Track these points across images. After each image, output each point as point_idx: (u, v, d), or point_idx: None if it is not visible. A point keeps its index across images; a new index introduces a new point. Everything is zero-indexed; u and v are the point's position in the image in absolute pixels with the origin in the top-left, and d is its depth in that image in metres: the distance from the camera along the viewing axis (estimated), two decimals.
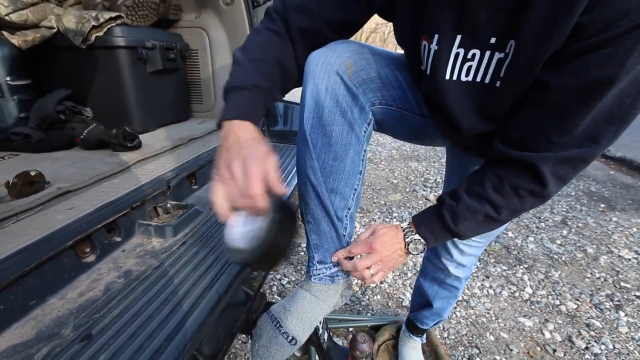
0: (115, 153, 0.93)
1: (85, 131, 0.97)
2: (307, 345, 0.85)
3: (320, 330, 0.70)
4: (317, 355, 0.83)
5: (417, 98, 0.65)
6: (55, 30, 1.06)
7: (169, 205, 0.73)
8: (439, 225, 0.57)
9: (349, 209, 0.66)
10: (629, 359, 1.14)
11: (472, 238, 0.74)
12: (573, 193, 2.42)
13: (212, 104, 1.44)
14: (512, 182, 0.50)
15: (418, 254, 0.60)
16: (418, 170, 2.82)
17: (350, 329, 1.25)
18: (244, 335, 1.14)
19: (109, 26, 1.02)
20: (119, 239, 0.63)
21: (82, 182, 0.72)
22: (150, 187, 0.72)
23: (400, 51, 0.68)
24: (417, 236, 0.59)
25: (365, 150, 0.64)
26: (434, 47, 0.51)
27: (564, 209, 2.18)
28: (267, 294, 1.41)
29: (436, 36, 0.50)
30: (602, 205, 2.24)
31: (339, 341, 1.22)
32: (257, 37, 0.60)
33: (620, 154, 3.07)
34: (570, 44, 0.40)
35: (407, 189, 2.43)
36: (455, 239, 0.77)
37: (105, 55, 1.07)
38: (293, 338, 0.60)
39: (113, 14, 1.05)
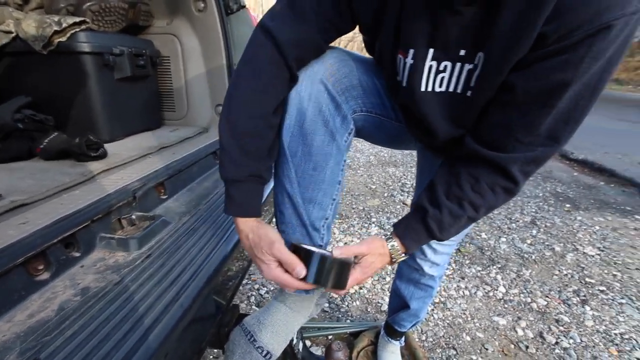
0: (79, 163, 0.88)
1: (46, 140, 0.92)
2: (283, 356, 0.83)
3: (295, 341, 0.69)
4: None
5: (392, 104, 0.67)
6: (14, 34, 1.00)
7: (134, 216, 0.70)
8: (425, 235, 0.58)
9: (327, 219, 0.65)
10: (595, 351, 1.19)
11: None
12: (541, 194, 2.54)
13: (185, 111, 1.41)
14: (488, 181, 0.53)
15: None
16: (396, 175, 2.87)
17: (329, 337, 1.24)
18: (215, 350, 1.10)
19: (72, 31, 0.98)
20: (77, 254, 0.59)
21: (40, 194, 0.68)
22: (114, 198, 0.69)
23: None
24: (402, 251, 0.59)
25: (344, 160, 0.63)
26: (409, 60, 0.53)
27: (533, 210, 2.27)
28: (243, 305, 1.37)
29: (411, 51, 0.52)
30: (568, 205, 2.36)
31: (318, 350, 1.20)
32: (248, 83, 0.56)
33: (583, 156, 3.25)
34: (533, 51, 0.44)
35: (385, 194, 2.46)
36: None
37: (69, 61, 1.02)
38: (268, 352, 0.59)
39: (77, 19, 1.01)
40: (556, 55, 0.43)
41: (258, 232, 0.56)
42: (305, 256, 0.53)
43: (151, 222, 0.70)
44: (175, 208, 0.81)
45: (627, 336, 1.26)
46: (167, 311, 0.47)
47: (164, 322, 0.45)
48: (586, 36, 0.41)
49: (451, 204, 0.55)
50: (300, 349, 0.70)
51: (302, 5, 0.53)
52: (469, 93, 0.52)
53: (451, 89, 0.53)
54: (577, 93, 0.44)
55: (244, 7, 1.38)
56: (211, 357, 1.10)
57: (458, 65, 0.51)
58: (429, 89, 0.53)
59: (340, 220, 2.05)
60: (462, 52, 0.50)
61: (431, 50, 0.51)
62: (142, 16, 1.28)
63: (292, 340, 0.67)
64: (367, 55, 0.67)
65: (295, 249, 0.55)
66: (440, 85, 0.53)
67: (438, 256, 0.81)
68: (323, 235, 0.64)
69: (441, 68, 0.52)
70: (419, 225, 0.57)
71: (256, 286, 1.51)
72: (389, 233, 0.61)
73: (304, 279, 0.53)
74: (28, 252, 0.51)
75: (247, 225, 0.57)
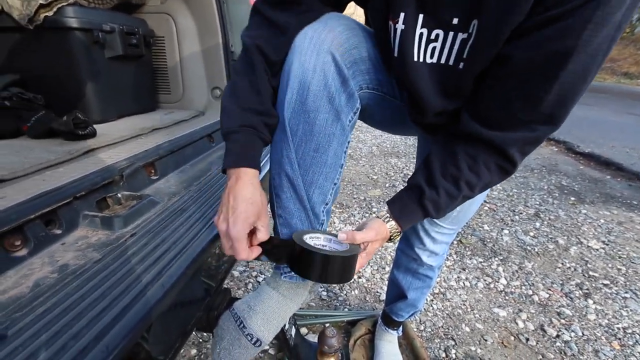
0: (66, 142, 0.85)
1: (33, 118, 0.88)
2: (278, 344, 0.81)
3: (287, 326, 0.66)
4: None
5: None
6: None
7: (119, 195, 0.67)
8: (421, 216, 0.56)
9: (327, 204, 0.62)
10: (597, 345, 1.16)
11: (444, 225, 0.73)
12: (546, 187, 2.49)
13: (181, 94, 1.37)
14: (486, 161, 0.51)
15: None
16: (398, 166, 2.82)
17: (327, 325, 1.22)
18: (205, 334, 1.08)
19: (59, 5, 0.94)
20: (59, 232, 0.56)
21: (21, 170, 0.65)
22: (99, 176, 0.66)
23: None
24: (398, 230, 0.57)
25: (348, 142, 0.58)
26: (400, 26, 0.48)
27: (537, 203, 2.23)
28: (240, 292, 1.35)
29: (402, 15, 0.48)
30: (573, 199, 2.32)
31: (315, 338, 1.18)
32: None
33: (589, 149, 3.19)
34: (531, 17, 0.40)
35: (387, 185, 2.43)
36: (427, 229, 0.75)
37: (57, 37, 0.98)
38: (258, 339, 0.56)
39: None
40: (556, 21, 0.39)
41: (253, 191, 0.51)
42: (307, 255, 0.49)
43: (138, 201, 0.67)
44: (165, 189, 0.78)
45: (630, 330, 1.23)
46: (147, 290, 0.44)
47: (143, 301, 0.42)
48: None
49: (448, 184, 0.53)
50: (293, 335, 0.68)
51: None
52: (461, 65, 0.48)
53: (442, 60, 0.49)
54: (583, 65, 0.40)
55: None
56: (200, 340, 1.08)
57: (451, 34, 0.47)
58: (421, 59, 0.50)
59: (340, 210, 2.02)
60: (455, 20, 0.46)
61: (421, 16, 0.47)
62: None
63: (284, 327, 0.64)
64: None
65: (297, 248, 0.50)
66: (432, 56, 0.49)
67: (437, 245, 0.78)
68: (323, 221, 0.60)
69: (432, 37, 0.48)
70: (416, 207, 0.55)
71: (254, 273, 1.49)
72: (385, 212, 0.57)
73: (305, 276, 0.52)
74: (2, 227, 0.48)
75: (237, 175, 0.51)
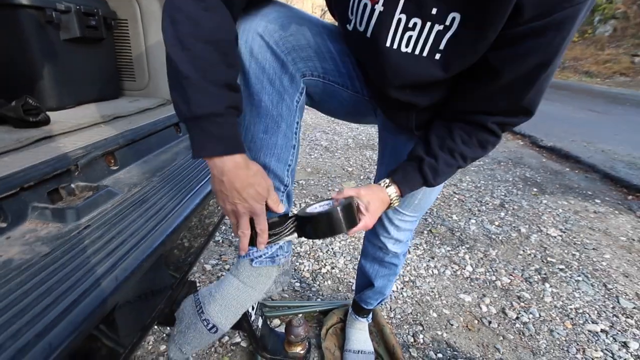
0: (15, 129, 0.79)
1: None
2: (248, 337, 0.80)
3: (254, 317, 0.66)
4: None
5: (350, 71, 0.63)
6: None
7: (73, 186, 0.64)
8: (420, 181, 0.60)
9: (286, 185, 0.62)
10: (552, 325, 1.25)
11: (406, 213, 0.75)
12: (511, 179, 2.62)
13: (146, 81, 1.31)
14: (478, 137, 0.57)
15: None
16: (373, 158, 2.86)
17: (300, 316, 1.23)
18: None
19: None
20: (3, 225, 0.53)
21: None
22: (51, 166, 0.62)
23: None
24: (398, 194, 0.60)
25: (298, 123, 0.59)
26: (379, 7, 0.48)
27: (503, 194, 2.34)
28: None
29: None
30: (535, 190, 2.45)
31: None
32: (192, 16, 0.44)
33: (552, 143, 3.37)
34: (513, 27, 0.44)
35: (362, 177, 2.46)
36: (391, 217, 0.77)
37: (4, 15, 0.90)
38: (214, 326, 0.56)
39: None
40: (538, 35, 0.44)
41: (253, 168, 0.50)
42: (307, 220, 0.54)
43: (94, 192, 0.63)
44: (126, 179, 0.74)
45: (581, 310, 1.33)
46: (98, 283, 0.42)
47: (93, 295, 0.40)
48: (565, 16, 0.42)
49: (445, 155, 0.58)
50: (260, 326, 0.68)
51: None
52: (437, 56, 0.49)
53: (417, 51, 0.50)
54: (552, 68, 0.48)
55: None
56: (165, 335, 1.06)
57: (428, 24, 0.47)
58: (395, 46, 0.50)
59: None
60: (434, 11, 0.46)
61: (402, 0, 0.47)
62: None
63: (249, 316, 0.64)
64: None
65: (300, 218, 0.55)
66: (407, 46, 0.50)
67: (401, 233, 0.80)
68: (284, 206, 0.60)
69: (410, 25, 0.48)
70: (416, 173, 0.59)
71: (227, 266, 1.47)
72: (387, 179, 0.61)
73: (316, 237, 0.55)
74: None
75: (234, 162, 0.48)
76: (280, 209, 0.55)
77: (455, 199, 2.21)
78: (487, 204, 2.17)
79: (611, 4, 10.39)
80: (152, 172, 0.80)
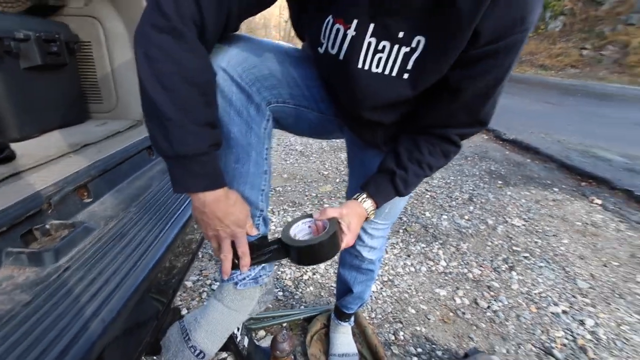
0: None
1: None
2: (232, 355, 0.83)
3: (239, 337, 0.69)
4: None
5: (314, 94, 0.66)
6: None
7: (48, 226, 0.64)
8: (393, 193, 0.64)
9: (262, 210, 0.65)
10: (519, 310, 1.36)
11: (378, 221, 0.80)
12: (477, 173, 2.77)
13: (114, 103, 1.29)
14: (442, 148, 0.63)
15: None
16: None
17: (284, 325, 1.26)
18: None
19: None
20: None
21: None
22: (22, 207, 0.62)
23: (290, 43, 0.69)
24: (374, 207, 0.64)
25: (267, 149, 0.62)
26: (351, 32, 0.52)
27: (471, 188, 2.48)
28: (194, 303, 1.33)
29: (355, 21, 0.51)
30: (500, 182, 2.61)
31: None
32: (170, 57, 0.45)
33: (513, 136, 3.59)
34: (471, 49, 0.50)
35: (337, 180, 2.51)
36: (364, 227, 0.82)
37: None
38: (201, 352, 0.58)
39: None
40: (494, 56, 0.50)
41: (232, 197, 0.54)
42: (290, 248, 0.56)
43: (70, 230, 0.64)
44: (101, 212, 0.75)
45: (544, 294, 1.45)
46: (86, 328, 0.44)
47: (82, 342, 0.42)
48: (516, 40, 0.48)
49: (414, 166, 0.63)
50: (246, 345, 0.71)
51: None
52: (405, 76, 0.54)
53: (387, 71, 0.54)
54: (504, 83, 0.55)
55: None
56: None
57: (395, 47, 0.52)
58: (366, 67, 0.54)
59: (293, 208, 2.05)
60: (401, 34, 0.51)
61: (372, 26, 0.51)
62: None
63: (236, 338, 0.67)
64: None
65: (282, 246, 0.58)
66: (377, 66, 0.54)
67: (375, 240, 0.85)
68: (263, 229, 0.63)
69: (380, 47, 0.52)
70: (388, 185, 0.64)
71: (208, 282, 1.47)
72: (362, 193, 0.65)
73: (302, 264, 0.59)
74: None
75: (215, 196, 0.52)
76: (254, 231, 0.59)
77: (427, 196, 2.32)
78: (457, 199, 2.29)
79: (559, 0, 11.13)
80: (128, 202, 0.80)
